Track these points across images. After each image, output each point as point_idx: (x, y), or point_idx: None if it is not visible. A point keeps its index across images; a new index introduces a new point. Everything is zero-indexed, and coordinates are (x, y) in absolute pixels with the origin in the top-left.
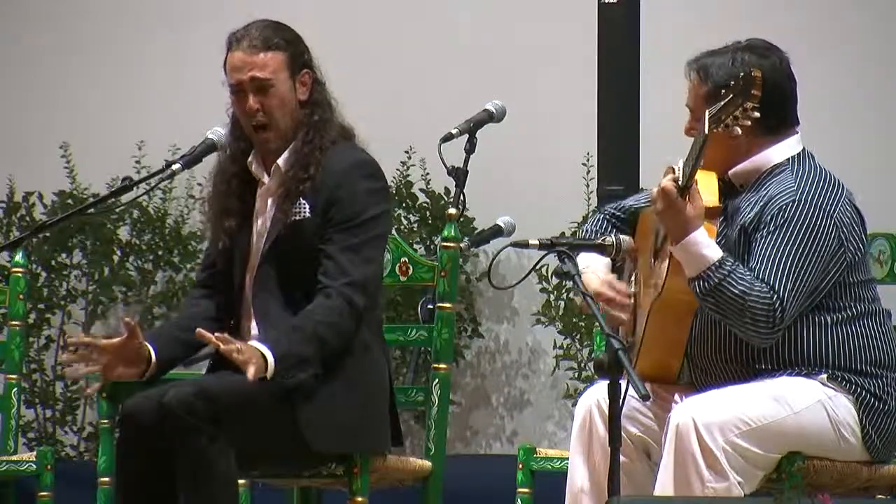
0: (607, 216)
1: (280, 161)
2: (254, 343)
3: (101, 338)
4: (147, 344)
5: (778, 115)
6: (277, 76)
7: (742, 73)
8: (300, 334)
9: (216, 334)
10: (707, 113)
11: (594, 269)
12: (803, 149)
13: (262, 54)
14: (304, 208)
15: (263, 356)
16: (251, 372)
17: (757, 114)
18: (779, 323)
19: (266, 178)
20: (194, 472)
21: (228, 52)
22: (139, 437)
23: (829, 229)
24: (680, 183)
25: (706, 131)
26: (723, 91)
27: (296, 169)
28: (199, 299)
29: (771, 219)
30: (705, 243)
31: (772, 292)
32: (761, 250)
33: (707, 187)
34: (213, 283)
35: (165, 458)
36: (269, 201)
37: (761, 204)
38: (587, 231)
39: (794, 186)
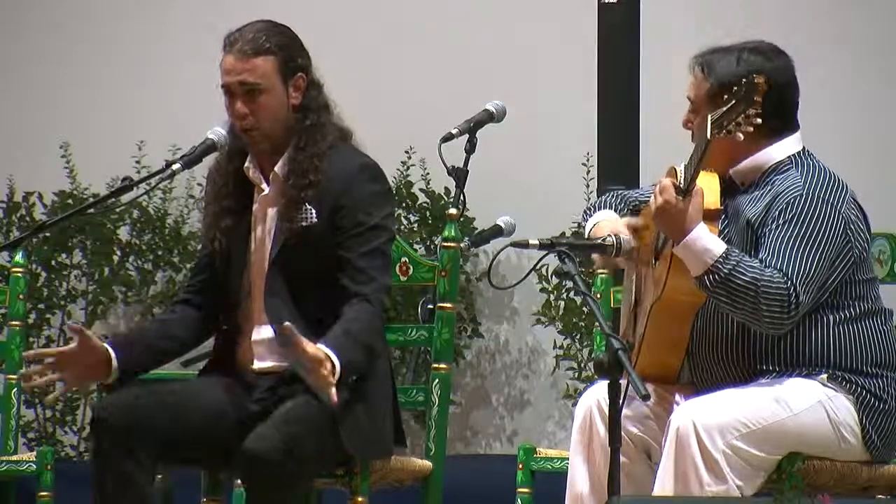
0: (621, 196)
1: (277, 169)
2: (322, 347)
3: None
4: (108, 348)
5: (781, 118)
6: (267, 81)
7: (745, 79)
8: (352, 341)
9: (304, 341)
10: (709, 118)
11: (606, 218)
12: (804, 147)
13: (251, 60)
14: (311, 214)
15: (333, 365)
16: (334, 396)
17: (759, 120)
18: (794, 307)
19: (265, 186)
20: None
21: (223, 53)
22: (111, 439)
23: (837, 224)
24: (682, 186)
25: (708, 137)
26: (725, 96)
27: (295, 177)
28: (177, 304)
29: (779, 213)
30: (707, 238)
31: (784, 276)
32: (771, 242)
33: (709, 188)
34: (202, 288)
35: (140, 458)
36: (270, 209)
37: (767, 200)
38: (601, 203)
39: (800, 182)
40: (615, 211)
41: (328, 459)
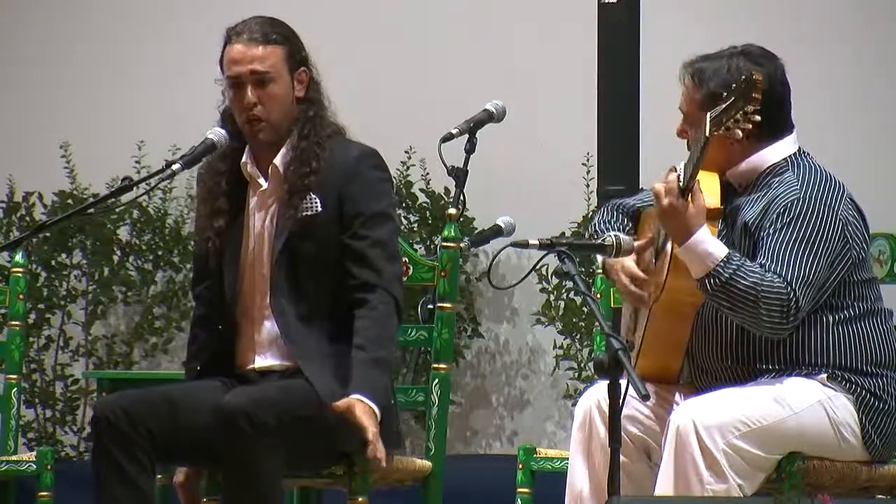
0: (616, 207)
1: (277, 161)
2: (358, 397)
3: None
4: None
5: (772, 121)
6: (277, 70)
7: (744, 77)
8: (383, 368)
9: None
10: (708, 115)
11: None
12: (799, 148)
13: (261, 47)
14: (315, 203)
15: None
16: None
17: (758, 117)
18: (794, 312)
19: (263, 182)
20: (249, 480)
21: (227, 45)
22: (111, 439)
23: (835, 226)
24: (681, 184)
25: (707, 133)
26: (724, 94)
27: (296, 164)
28: (197, 325)
29: (777, 216)
30: (710, 241)
31: (784, 282)
32: (769, 246)
33: (709, 188)
34: (212, 295)
35: (140, 457)
36: (271, 202)
37: (764, 203)
38: (598, 223)
39: (797, 185)
40: (624, 215)
41: (322, 453)
